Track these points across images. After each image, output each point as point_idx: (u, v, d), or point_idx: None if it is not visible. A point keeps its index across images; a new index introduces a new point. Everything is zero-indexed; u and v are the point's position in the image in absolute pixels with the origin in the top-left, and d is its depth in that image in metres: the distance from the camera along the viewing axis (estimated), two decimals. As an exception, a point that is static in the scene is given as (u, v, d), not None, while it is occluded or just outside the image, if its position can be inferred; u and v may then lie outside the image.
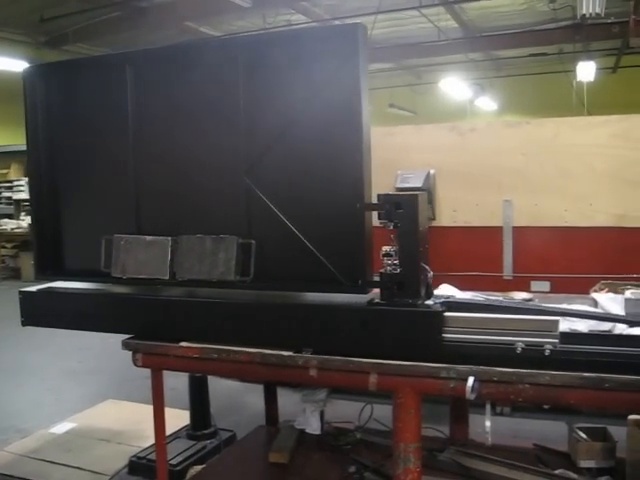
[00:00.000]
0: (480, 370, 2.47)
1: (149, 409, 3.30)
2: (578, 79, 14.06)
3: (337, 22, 10.81)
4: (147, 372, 3.23)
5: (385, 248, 2.66)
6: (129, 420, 5.15)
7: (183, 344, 2.95)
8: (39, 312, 3.29)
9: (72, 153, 3.32)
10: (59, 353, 7.33)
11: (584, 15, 8.08)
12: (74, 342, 7.27)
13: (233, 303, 2.92)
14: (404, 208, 2.61)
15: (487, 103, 19.29)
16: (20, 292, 3.31)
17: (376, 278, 2.69)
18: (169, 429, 3.64)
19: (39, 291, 3.32)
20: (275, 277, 2.89)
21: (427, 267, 2.69)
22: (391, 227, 2.64)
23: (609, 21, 10.63)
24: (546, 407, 3.89)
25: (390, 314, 2.63)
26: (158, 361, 3.10)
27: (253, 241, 2.88)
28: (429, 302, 2.67)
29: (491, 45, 14.65)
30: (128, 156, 3.13)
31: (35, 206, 3.42)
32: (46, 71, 3.34)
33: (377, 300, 2.68)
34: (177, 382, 4.75)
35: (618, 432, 3.80)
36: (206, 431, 4.64)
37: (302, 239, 2.80)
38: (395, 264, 2.65)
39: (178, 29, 12.15)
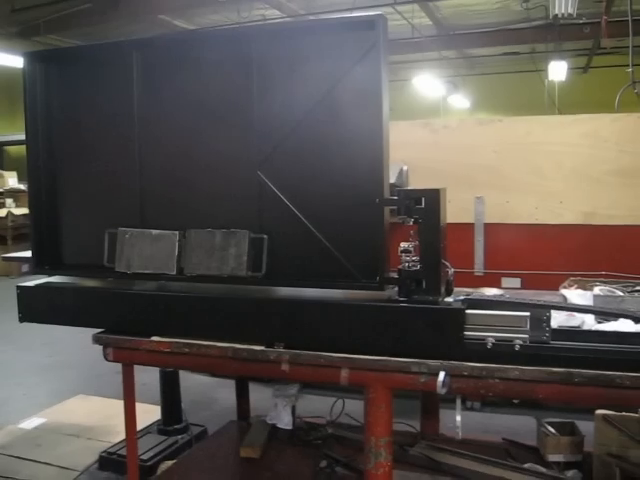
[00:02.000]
0: (450, 365, 2.50)
1: (120, 404, 3.29)
2: (550, 78, 14.20)
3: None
4: (118, 367, 3.22)
5: (404, 244, 2.63)
6: (99, 415, 5.12)
7: (154, 338, 2.94)
8: (38, 308, 3.21)
9: (73, 143, 3.23)
10: (28, 347, 7.24)
11: (556, 15, 8.12)
12: (43, 336, 7.19)
13: (243, 299, 2.86)
14: (426, 203, 2.57)
15: (460, 101, 19.40)
16: (18, 287, 3.22)
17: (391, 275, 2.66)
18: (140, 424, 3.61)
19: (38, 286, 3.24)
20: (288, 273, 2.83)
21: (448, 264, 2.66)
22: (411, 223, 2.60)
23: (581, 22, 10.70)
24: (516, 402, 3.92)
25: (412, 312, 2.57)
26: (129, 355, 3.08)
27: (265, 236, 2.82)
28: (449, 299, 2.63)
29: (465, 43, 14.71)
30: (133, 147, 3.05)
31: (33, 198, 3.28)
32: (47, 57, 3.24)
33: (396, 297, 2.63)
34: (148, 377, 4.73)
35: (586, 426, 3.87)
36: (177, 426, 4.62)
37: (316, 234, 2.75)
38: (414, 260, 2.61)
39: (152, 22, 12.03)
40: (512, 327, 2.48)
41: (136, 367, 3.23)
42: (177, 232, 2.93)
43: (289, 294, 2.85)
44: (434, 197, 2.57)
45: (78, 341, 3.81)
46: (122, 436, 3.58)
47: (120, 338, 3.03)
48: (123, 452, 3.82)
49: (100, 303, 3.11)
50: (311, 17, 11.19)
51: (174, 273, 2.93)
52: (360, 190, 2.67)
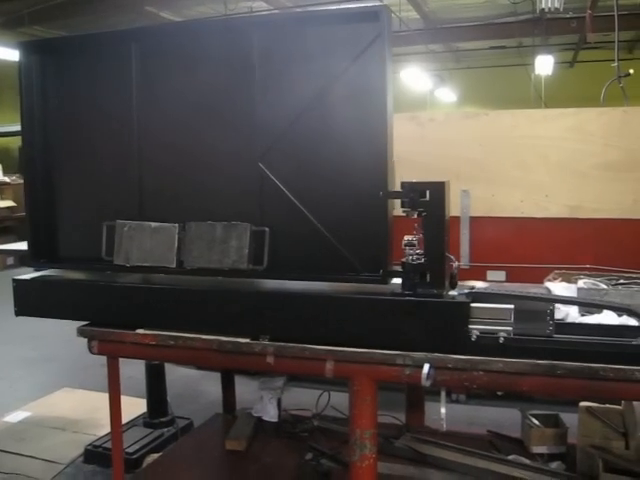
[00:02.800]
0: (435, 357, 2.51)
1: (105, 397, 3.28)
2: (536, 72, 14.22)
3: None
4: (103, 360, 3.20)
5: (407, 237, 2.61)
6: (85, 408, 5.10)
7: (139, 331, 2.93)
8: (34, 301, 3.17)
9: (70, 134, 3.18)
10: (13, 340, 7.20)
11: (543, 9, 8.17)
12: (28, 329, 7.12)
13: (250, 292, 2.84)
14: (431, 195, 2.55)
15: (447, 94, 19.41)
16: (14, 280, 3.17)
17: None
18: (125, 417, 3.61)
19: (34, 279, 3.20)
20: (289, 266, 2.81)
21: (452, 257, 2.64)
22: (415, 216, 2.58)
23: (567, 16, 10.75)
24: (499, 394, 3.94)
25: (418, 305, 2.54)
26: (114, 348, 3.07)
27: (267, 228, 2.80)
28: (453, 293, 2.61)
29: (452, 37, 14.73)
30: (132, 139, 3.02)
31: (29, 190, 3.23)
32: (43, 47, 3.19)
33: (400, 291, 2.60)
34: (134, 370, 4.71)
35: (570, 418, 3.90)
36: (163, 419, 4.62)
37: (319, 227, 2.73)
38: (418, 254, 2.59)
39: (138, 13, 11.96)
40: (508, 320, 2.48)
41: (121, 360, 3.22)
42: (177, 225, 2.91)
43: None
44: (439, 190, 2.56)
45: (63, 334, 3.79)
46: (107, 429, 3.57)
47: (105, 331, 3.02)
48: (108, 445, 3.80)
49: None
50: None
51: (174, 266, 2.91)
52: (363, 182, 2.65)
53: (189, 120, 2.95)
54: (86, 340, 3.07)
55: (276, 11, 11.78)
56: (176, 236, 2.90)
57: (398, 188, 2.60)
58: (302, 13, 2.90)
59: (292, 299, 2.75)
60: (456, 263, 2.68)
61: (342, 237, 2.71)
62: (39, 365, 6.54)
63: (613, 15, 5.51)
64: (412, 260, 2.58)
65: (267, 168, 2.81)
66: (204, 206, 2.92)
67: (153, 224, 2.95)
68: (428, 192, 2.55)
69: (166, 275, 2.98)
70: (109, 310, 3.03)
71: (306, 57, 2.73)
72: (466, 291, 2.60)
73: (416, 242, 2.60)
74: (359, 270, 2.69)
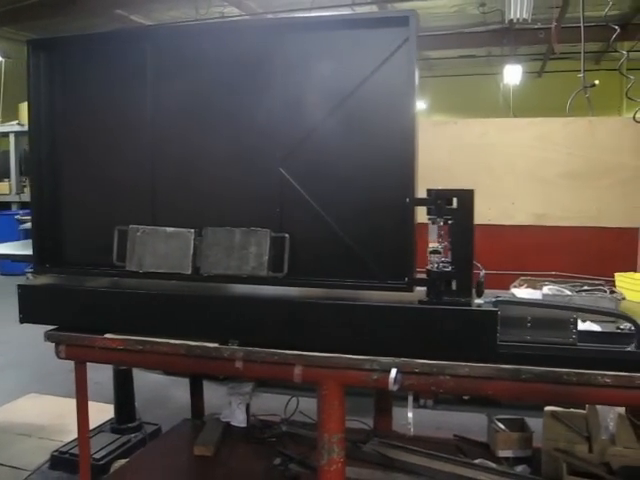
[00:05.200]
0: (402, 362, 2.53)
1: (72, 403, 3.25)
2: (505, 82, 14.41)
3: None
4: (70, 365, 3.18)
5: (433, 245, 2.58)
6: (51, 414, 5.05)
7: (107, 336, 2.92)
8: (40, 309, 3.08)
9: (79, 135, 3.07)
10: (-22, 346, 7.11)
11: (512, 20, 8.28)
12: (-6, 335, 7.07)
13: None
14: (459, 203, 2.53)
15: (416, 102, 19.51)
16: (19, 287, 3.08)
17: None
18: (93, 423, 3.58)
19: (39, 286, 3.13)
20: (310, 273, 2.75)
21: (479, 265, 2.62)
22: (441, 223, 2.56)
23: (535, 27, 10.88)
24: (466, 398, 3.99)
25: (446, 314, 2.52)
26: (81, 353, 3.05)
27: (287, 235, 2.74)
28: (479, 301, 2.59)
29: (422, 45, 14.76)
30: (145, 141, 2.93)
31: (35, 194, 3.11)
32: (52, 46, 3.08)
33: (426, 299, 2.57)
34: (101, 376, 4.68)
35: (535, 423, 3.96)
36: (131, 425, 4.58)
37: (340, 234, 2.68)
38: (444, 261, 2.57)
39: (108, 17, 11.88)
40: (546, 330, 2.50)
41: (89, 365, 3.19)
42: (192, 230, 2.83)
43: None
44: (467, 197, 2.54)
45: (29, 339, 3.76)
46: (74, 435, 3.55)
47: (72, 335, 3.00)
48: (75, 451, 3.77)
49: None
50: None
51: (189, 272, 2.83)
52: (388, 189, 2.61)
53: (206, 122, 2.87)
54: (53, 345, 3.05)
55: (247, 17, 11.77)
56: (192, 242, 2.82)
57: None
58: (331, 17, 2.86)
59: (315, 306, 2.71)
60: (483, 271, 2.65)
61: (364, 244, 2.67)
62: (4, 371, 6.44)
63: (580, 27, 5.61)
64: (437, 268, 2.56)
65: (288, 173, 2.75)
66: (221, 211, 2.85)
67: (168, 229, 2.86)
68: (455, 199, 2.54)
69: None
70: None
71: (331, 61, 2.69)
72: (493, 299, 2.58)
73: (441, 250, 2.58)
74: (382, 277, 2.65)
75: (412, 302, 2.60)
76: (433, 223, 2.57)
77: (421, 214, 2.61)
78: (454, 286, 2.55)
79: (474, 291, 2.61)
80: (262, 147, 2.79)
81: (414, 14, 2.53)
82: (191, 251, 2.83)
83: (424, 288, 2.61)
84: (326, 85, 2.71)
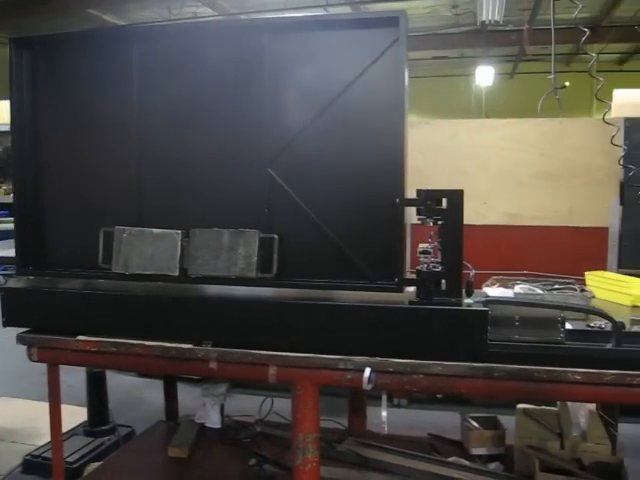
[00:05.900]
0: (376, 361, 2.55)
1: (44, 406, 3.23)
2: (477, 83, 14.52)
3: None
4: (43, 368, 3.14)
5: (422, 245, 2.60)
6: (23, 418, 4.98)
7: (80, 338, 2.90)
8: (21, 312, 3.03)
9: (62, 134, 3.04)
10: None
11: (484, 22, 8.34)
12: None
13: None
14: (448, 203, 2.54)
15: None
16: (1, 289, 3.04)
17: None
18: (66, 426, 3.55)
19: (23, 289, 3.09)
20: (299, 274, 2.75)
21: (469, 265, 2.63)
22: (431, 224, 2.57)
23: (507, 28, 10.99)
24: (439, 396, 4.02)
25: (436, 314, 2.53)
26: (54, 355, 3.03)
27: (275, 236, 2.74)
28: (469, 301, 2.60)
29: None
30: (131, 141, 2.90)
31: (18, 194, 3.08)
32: (35, 44, 3.04)
33: (416, 299, 2.58)
34: (74, 379, 4.62)
35: (508, 420, 4.00)
36: (104, 427, 4.56)
37: (330, 235, 2.69)
38: (433, 262, 2.58)
39: (81, 16, 11.78)
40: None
41: (61, 368, 3.17)
42: (180, 231, 2.81)
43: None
44: (457, 198, 2.55)
45: (0, 342, 3.71)
46: (47, 439, 3.51)
47: (45, 337, 2.97)
48: (48, 455, 3.74)
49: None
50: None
51: (177, 274, 2.81)
52: (377, 189, 2.63)
53: (194, 123, 2.86)
54: (25, 347, 3.02)
55: (221, 17, 11.73)
56: (179, 243, 2.80)
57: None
58: (319, 17, 2.86)
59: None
60: (473, 271, 2.67)
61: (354, 245, 2.68)
62: (-25, 374, 6.36)
63: (550, 29, 5.67)
64: (427, 268, 2.57)
65: (276, 173, 2.75)
66: (209, 212, 2.84)
67: (155, 230, 2.84)
68: (445, 200, 2.55)
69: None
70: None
71: (320, 62, 2.70)
72: (483, 299, 2.60)
73: (431, 250, 2.59)
74: (371, 278, 2.67)
75: (402, 302, 2.61)
76: (422, 223, 2.59)
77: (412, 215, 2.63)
78: (444, 286, 2.57)
79: (464, 291, 2.63)
80: (250, 148, 2.79)
81: (404, 15, 2.56)
82: (178, 252, 2.81)
83: (414, 288, 2.62)
84: (315, 86, 2.72)
